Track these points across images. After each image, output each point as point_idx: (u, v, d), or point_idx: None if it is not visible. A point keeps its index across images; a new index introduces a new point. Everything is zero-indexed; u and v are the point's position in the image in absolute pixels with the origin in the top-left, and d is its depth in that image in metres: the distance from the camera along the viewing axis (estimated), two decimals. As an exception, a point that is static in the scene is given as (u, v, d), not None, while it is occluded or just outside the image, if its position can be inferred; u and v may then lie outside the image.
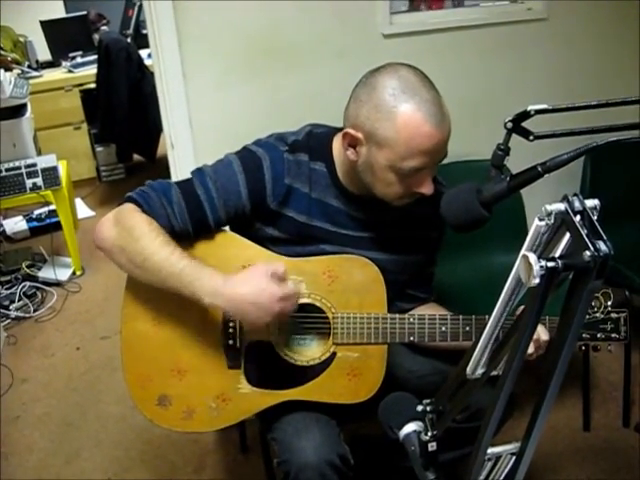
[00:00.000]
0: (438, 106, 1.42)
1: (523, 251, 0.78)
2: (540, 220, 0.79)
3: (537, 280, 0.75)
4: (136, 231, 1.49)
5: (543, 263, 0.74)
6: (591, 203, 0.76)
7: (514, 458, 0.94)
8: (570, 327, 0.74)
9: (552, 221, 0.78)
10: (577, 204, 0.76)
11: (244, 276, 1.48)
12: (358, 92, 1.49)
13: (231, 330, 1.59)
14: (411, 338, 1.61)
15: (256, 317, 1.46)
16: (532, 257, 0.74)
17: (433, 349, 1.76)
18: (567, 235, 0.77)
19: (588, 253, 0.71)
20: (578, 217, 0.75)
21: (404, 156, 1.42)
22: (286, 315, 1.49)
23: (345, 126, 1.52)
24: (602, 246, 0.71)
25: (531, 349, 1.55)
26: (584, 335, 1.61)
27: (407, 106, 1.40)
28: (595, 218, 0.75)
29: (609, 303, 1.58)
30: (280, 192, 1.58)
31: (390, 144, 1.42)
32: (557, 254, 0.78)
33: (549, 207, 0.77)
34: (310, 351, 1.64)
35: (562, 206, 0.76)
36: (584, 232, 0.72)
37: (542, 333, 1.57)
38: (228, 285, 1.45)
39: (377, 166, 1.47)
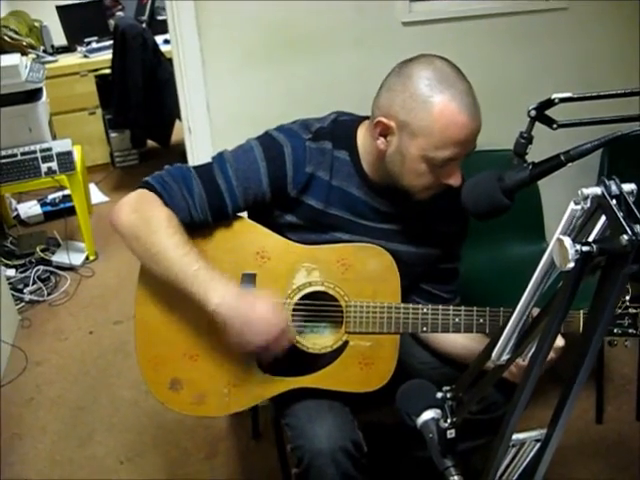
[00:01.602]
0: (472, 97, 1.42)
1: (558, 234, 0.78)
2: (576, 204, 0.78)
3: (572, 264, 0.74)
4: (154, 224, 1.49)
5: (578, 247, 0.74)
6: (628, 187, 0.76)
7: (538, 445, 0.94)
8: (604, 312, 0.73)
9: (588, 205, 0.77)
10: (614, 188, 0.75)
11: (259, 300, 1.48)
12: (391, 82, 1.48)
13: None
14: (424, 328, 1.61)
15: (245, 340, 1.46)
16: (567, 241, 0.74)
17: (444, 354, 1.78)
18: (601, 220, 0.76)
19: (625, 237, 0.70)
20: (614, 201, 0.74)
21: (438, 146, 1.42)
22: (271, 351, 1.49)
23: (375, 115, 1.50)
24: (640, 230, 0.71)
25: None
26: None
27: (443, 97, 1.39)
28: (632, 201, 0.74)
29: (627, 298, 1.57)
30: (301, 180, 1.57)
31: (425, 134, 1.41)
32: (591, 239, 0.78)
33: (585, 191, 0.76)
34: (322, 339, 1.64)
35: (599, 190, 0.75)
36: (621, 216, 0.72)
37: (557, 339, 1.55)
38: (239, 299, 1.45)
39: (409, 156, 1.46)
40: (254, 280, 1.59)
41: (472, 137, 1.44)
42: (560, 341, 1.53)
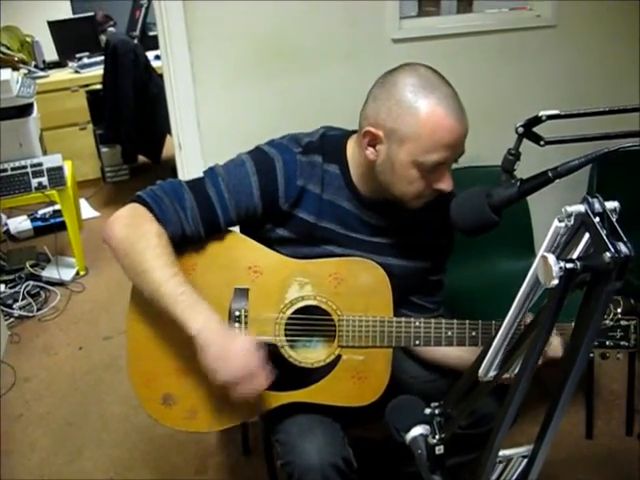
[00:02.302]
0: (457, 101, 1.43)
1: (542, 252, 0.79)
2: (560, 221, 0.79)
3: (556, 281, 0.75)
4: (143, 242, 1.48)
5: (562, 264, 0.75)
6: (611, 205, 0.77)
7: (525, 461, 0.94)
8: (588, 328, 0.74)
9: (572, 222, 0.78)
10: (597, 206, 0.76)
11: (236, 335, 1.49)
12: (376, 92, 1.49)
13: (236, 331, 1.59)
14: (417, 342, 1.61)
15: (216, 372, 1.42)
16: (551, 258, 0.74)
17: (437, 365, 1.77)
18: (585, 237, 0.77)
19: (608, 254, 0.71)
20: (597, 219, 0.75)
21: (427, 150, 1.42)
22: (239, 391, 1.44)
23: (362, 126, 1.51)
24: (622, 247, 0.72)
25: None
26: None
27: (428, 101, 1.40)
28: (615, 220, 0.75)
29: (619, 310, 1.57)
30: (292, 194, 1.57)
31: (413, 139, 1.42)
32: (575, 256, 0.78)
33: (569, 208, 0.77)
34: (315, 353, 1.64)
35: (582, 207, 0.76)
36: (604, 233, 0.73)
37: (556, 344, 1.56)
38: (218, 330, 1.44)
39: (398, 163, 1.47)
40: (247, 295, 1.59)
41: (460, 140, 1.44)
42: (555, 340, 1.55)
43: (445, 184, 1.50)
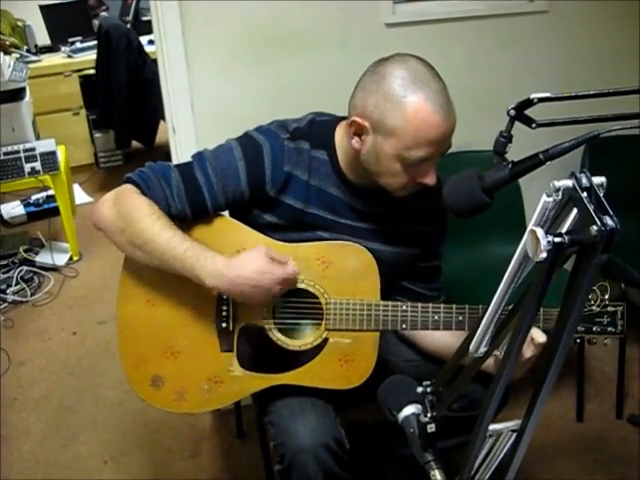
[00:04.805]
0: (445, 97, 1.43)
1: (531, 226, 0.80)
2: (548, 196, 0.80)
3: (544, 255, 0.76)
4: (136, 213, 1.50)
5: (550, 238, 0.76)
6: (598, 180, 0.78)
7: (514, 435, 0.95)
8: (575, 302, 0.75)
9: (560, 197, 0.79)
10: (584, 181, 0.77)
11: (245, 259, 1.50)
12: (366, 81, 1.49)
13: (224, 313, 1.61)
14: (403, 326, 1.62)
15: (256, 299, 1.51)
16: (540, 232, 0.76)
17: (425, 352, 1.78)
18: (574, 212, 0.78)
19: (595, 227, 0.72)
20: (585, 193, 0.76)
21: (411, 146, 1.43)
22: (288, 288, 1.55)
23: (350, 114, 1.51)
24: (609, 221, 0.73)
25: (529, 352, 1.53)
26: (580, 328, 1.61)
27: (416, 96, 1.40)
28: (602, 194, 0.76)
29: (606, 296, 1.58)
30: (279, 179, 1.58)
31: (398, 133, 1.42)
32: (564, 230, 0.79)
33: (557, 183, 0.78)
34: (302, 336, 1.65)
35: (570, 182, 0.77)
36: (591, 207, 0.74)
37: (538, 336, 1.54)
38: (231, 268, 1.47)
39: (383, 155, 1.47)
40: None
41: (446, 137, 1.45)
42: (541, 337, 1.54)
43: (429, 179, 1.50)
